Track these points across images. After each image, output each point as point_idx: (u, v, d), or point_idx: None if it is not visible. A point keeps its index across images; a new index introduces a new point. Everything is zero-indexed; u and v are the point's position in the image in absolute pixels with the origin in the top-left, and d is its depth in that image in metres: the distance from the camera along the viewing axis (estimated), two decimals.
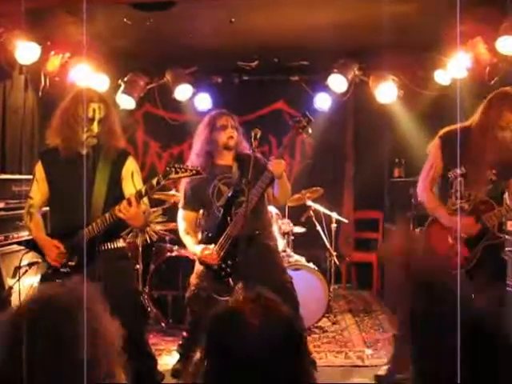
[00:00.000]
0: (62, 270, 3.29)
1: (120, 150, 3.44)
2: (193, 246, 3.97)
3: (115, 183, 3.37)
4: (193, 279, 4.05)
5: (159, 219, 5.38)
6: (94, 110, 3.33)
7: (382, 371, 4.07)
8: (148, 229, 5.28)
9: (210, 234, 3.94)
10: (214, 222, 3.95)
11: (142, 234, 5.39)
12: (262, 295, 1.51)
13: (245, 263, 3.63)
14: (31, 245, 3.48)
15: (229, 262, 3.83)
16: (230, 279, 3.82)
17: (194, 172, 3.26)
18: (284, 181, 3.83)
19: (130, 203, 3.18)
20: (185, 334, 4.32)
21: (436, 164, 3.65)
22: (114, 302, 3.35)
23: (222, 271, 3.85)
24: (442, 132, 3.65)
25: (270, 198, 4.03)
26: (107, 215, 3.24)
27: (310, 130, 3.73)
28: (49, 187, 3.42)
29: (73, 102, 3.38)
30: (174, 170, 3.19)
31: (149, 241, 5.46)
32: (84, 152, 3.35)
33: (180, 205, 4.17)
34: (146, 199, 3.32)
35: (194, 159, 4.03)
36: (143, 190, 3.22)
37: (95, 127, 3.33)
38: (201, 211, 4.22)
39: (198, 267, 4.00)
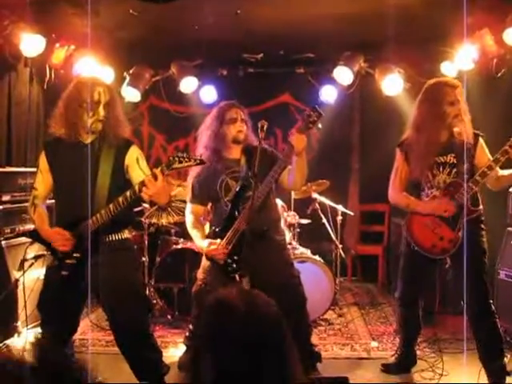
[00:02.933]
0: (67, 261, 3.28)
1: (123, 139, 3.42)
2: (199, 241, 3.93)
3: (119, 172, 3.34)
4: (199, 274, 4.03)
5: (182, 191, 5.27)
6: (99, 93, 3.30)
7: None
8: (169, 210, 5.24)
9: (217, 229, 3.90)
10: (222, 216, 3.90)
11: (165, 212, 5.35)
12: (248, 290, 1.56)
13: (252, 259, 3.60)
14: (35, 235, 3.47)
15: (235, 257, 3.77)
16: (237, 274, 3.79)
17: (198, 161, 3.22)
18: (303, 159, 3.65)
19: (155, 177, 3.11)
20: (191, 326, 4.32)
21: (401, 167, 3.95)
22: (117, 293, 3.38)
23: (228, 266, 3.79)
24: (400, 140, 3.99)
25: (285, 183, 3.87)
26: (129, 192, 3.17)
27: (320, 125, 3.68)
28: (52, 178, 3.41)
29: (76, 88, 3.34)
30: (177, 159, 3.14)
31: (172, 221, 5.43)
32: (87, 141, 3.35)
33: (188, 199, 4.13)
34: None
35: (201, 152, 3.96)
36: (171, 160, 3.12)
37: (101, 110, 3.30)
38: (209, 205, 4.19)
39: (205, 262, 3.97)
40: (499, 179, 3.74)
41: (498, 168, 3.67)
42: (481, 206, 3.79)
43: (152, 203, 3.38)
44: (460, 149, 3.69)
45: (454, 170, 3.73)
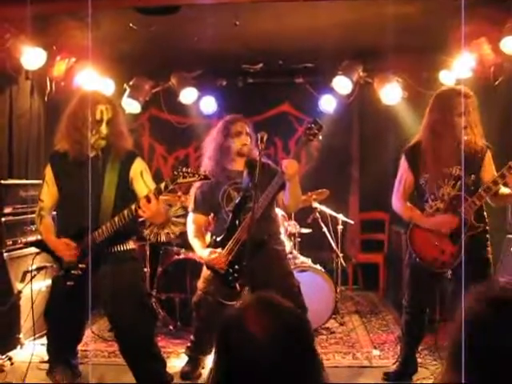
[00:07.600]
0: (73, 272, 3.30)
1: (128, 151, 3.46)
2: (200, 250, 3.98)
3: (124, 184, 3.39)
4: (200, 283, 4.05)
5: (180, 212, 5.35)
6: (101, 112, 3.35)
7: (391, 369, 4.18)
8: (170, 225, 5.27)
9: (218, 238, 3.94)
10: (223, 226, 3.95)
11: (163, 229, 5.39)
12: (265, 297, 1.53)
13: (252, 268, 3.62)
14: (42, 245, 3.51)
15: (236, 266, 3.82)
16: (237, 284, 3.82)
17: (202, 177, 3.26)
18: (295, 184, 3.74)
19: (149, 200, 3.17)
20: (192, 337, 4.32)
21: (406, 176, 3.86)
22: (124, 303, 3.41)
23: (229, 276, 3.84)
24: (405, 147, 3.92)
25: (281, 204, 3.96)
26: (125, 212, 3.23)
27: (320, 137, 3.70)
28: (58, 190, 3.44)
29: (79, 105, 3.39)
30: (181, 174, 3.18)
31: (172, 236, 5.47)
32: (92, 155, 3.37)
33: (190, 208, 4.17)
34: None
35: (206, 163, 4.04)
36: (162, 186, 3.18)
37: (104, 129, 3.35)
38: (211, 215, 4.22)
39: (206, 271, 4.00)
40: (500, 196, 3.66)
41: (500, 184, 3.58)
42: (486, 221, 3.72)
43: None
44: (467, 161, 3.58)
45: (459, 182, 3.64)
